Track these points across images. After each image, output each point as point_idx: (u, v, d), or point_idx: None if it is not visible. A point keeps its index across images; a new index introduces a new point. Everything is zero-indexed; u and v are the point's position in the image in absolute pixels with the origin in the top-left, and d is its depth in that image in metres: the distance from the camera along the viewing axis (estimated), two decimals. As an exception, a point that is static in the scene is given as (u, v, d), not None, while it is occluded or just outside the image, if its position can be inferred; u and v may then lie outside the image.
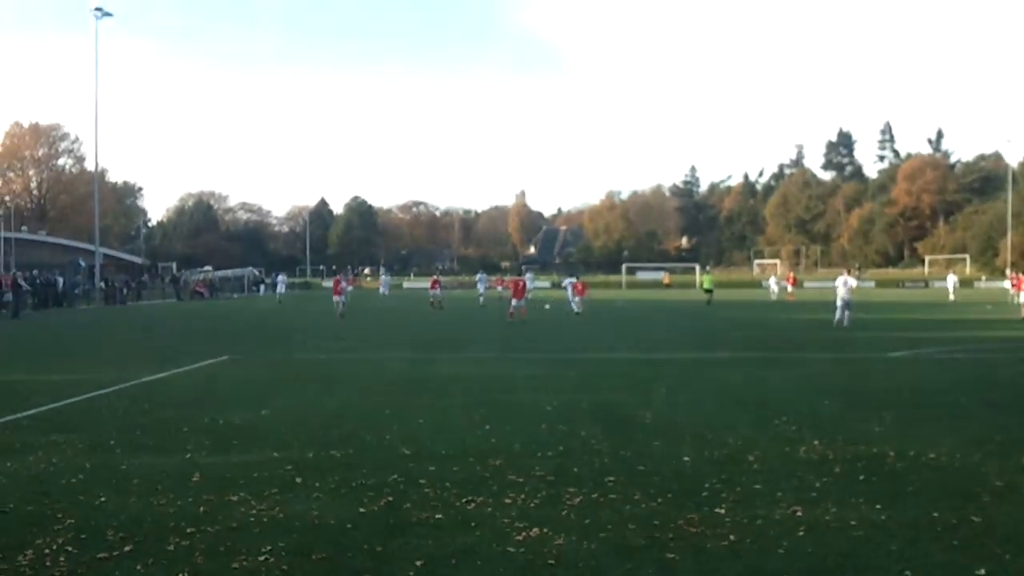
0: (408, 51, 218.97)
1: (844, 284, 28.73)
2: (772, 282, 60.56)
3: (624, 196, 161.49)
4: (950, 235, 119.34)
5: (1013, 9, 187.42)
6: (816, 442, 9.22)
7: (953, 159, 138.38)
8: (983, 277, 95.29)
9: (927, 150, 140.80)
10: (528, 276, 49.94)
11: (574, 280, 38.95)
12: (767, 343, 22.75)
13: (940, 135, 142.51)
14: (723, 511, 6.66)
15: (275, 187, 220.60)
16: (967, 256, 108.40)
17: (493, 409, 11.60)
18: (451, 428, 10.29)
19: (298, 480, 7.77)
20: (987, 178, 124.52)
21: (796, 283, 59.87)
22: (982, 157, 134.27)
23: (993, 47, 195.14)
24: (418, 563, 5.61)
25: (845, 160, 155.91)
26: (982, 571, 5.35)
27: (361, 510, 6.80)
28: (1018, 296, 36.56)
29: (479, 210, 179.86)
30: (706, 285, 46.83)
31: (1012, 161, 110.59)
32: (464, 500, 7.03)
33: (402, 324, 32.46)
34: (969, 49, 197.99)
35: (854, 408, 11.71)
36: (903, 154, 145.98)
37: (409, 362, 18.42)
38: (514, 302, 32.40)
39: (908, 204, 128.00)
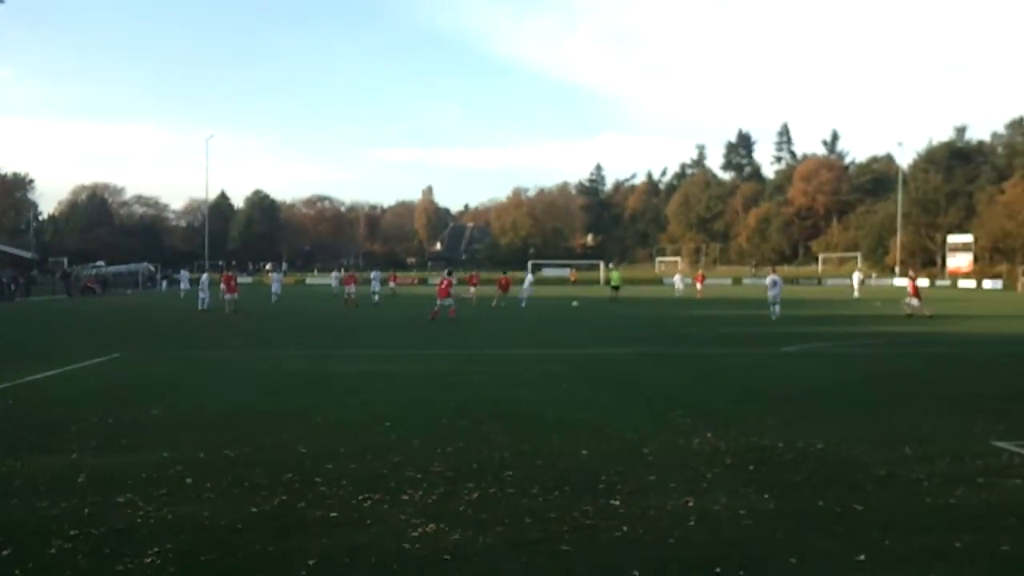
0: (314, 40, 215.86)
1: (774, 283, 31.70)
2: (677, 279, 61.74)
3: (531, 193, 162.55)
4: (843, 234, 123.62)
5: (904, 16, 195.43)
6: (709, 434, 9.43)
7: (847, 160, 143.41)
8: (873, 275, 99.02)
9: (822, 151, 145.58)
10: (529, 278, 49.65)
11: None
12: (668, 339, 23.19)
13: (835, 137, 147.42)
14: (618, 503, 6.76)
15: (173, 180, 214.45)
16: (859, 254, 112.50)
17: (393, 406, 11.52)
18: (350, 426, 10.17)
19: (188, 480, 7.57)
20: (879, 179, 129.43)
21: (704, 280, 61.12)
22: (874, 159, 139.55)
23: (886, 53, 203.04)
24: (311, 563, 5.53)
25: (744, 161, 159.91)
26: (862, 557, 5.56)
27: (253, 510, 6.66)
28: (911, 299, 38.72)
29: (385, 206, 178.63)
30: (613, 282, 47.43)
31: (902, 163, 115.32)
32: (360, 498, 6.96)
33: (302, 321, 31.94)
34: (863, 54, 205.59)
35: (747, 401, 12.03)
36: (799, 155, 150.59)
37: (308, 360, 18.14)
38: (439, 301, 32.04)
39: (804, 204, 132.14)
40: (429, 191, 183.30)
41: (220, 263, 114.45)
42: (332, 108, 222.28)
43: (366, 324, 29.58)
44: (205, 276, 39.62)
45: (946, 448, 8.79)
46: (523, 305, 40.45)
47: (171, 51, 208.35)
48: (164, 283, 79.21)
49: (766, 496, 6.95)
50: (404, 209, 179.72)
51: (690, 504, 6.71)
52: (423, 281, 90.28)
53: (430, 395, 12.60)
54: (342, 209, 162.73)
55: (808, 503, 6.78)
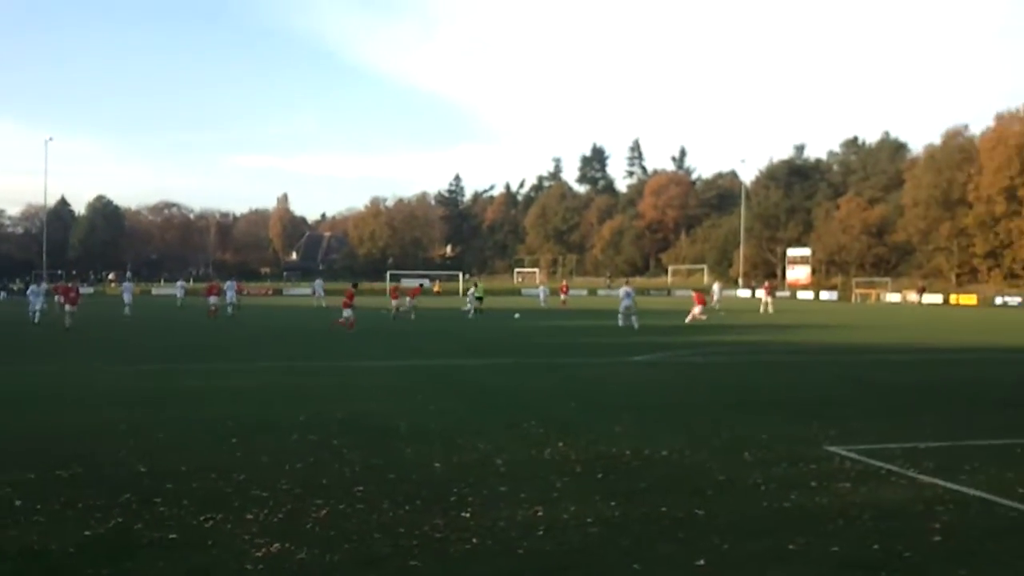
0: (159, 40, 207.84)
1: (626, 294, 32.94)
2: (541, 290, 62.11)
3: (389, 203, 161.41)
4: (691, 247, 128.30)
5: (745, 39, 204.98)
6: (561, 444, 9.57)
7: (694, 176, 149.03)
8: (718, 285, 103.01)
9: (671, 167, 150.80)
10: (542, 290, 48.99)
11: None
12: (524, 349, 23.43)
13: (683, 153, 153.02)
14: (468, 515, 6.75)
15: (9, 185, 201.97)
16: (705, 266, 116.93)
17: (241, 422, 11.16)
18: (194, 443, 9.79)
19: (17, 503, 7.10)
20: (724, 195, 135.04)
21: (567, 291, 61.97)
22: (720, 175, 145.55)
23: (730, 73, 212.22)
24: (147, 587, 5.28)
25: (598, 174, 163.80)
26: (702, 561, 5.73)
27: (87, 533, 6.31)
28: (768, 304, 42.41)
29: (238, 213, 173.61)
30: (478, 293, 47.31)
31: (745, 179, 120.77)
32: (202, 518, 6.70)
33: (147, 333, 30.62)
34: (709, 74, 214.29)
35: (598, 410, 12.28)
36: (650, 170, 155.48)
37: (154, 374, 17.40)
38: (345, 312, 31.22)
39: (654, 217, 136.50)
40: (284, 199, 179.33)
41: (59, 272, 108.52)
42: (181, 112, 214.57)
43: (220, 336, 28.63)
44: (41, 286, 37.39)
45: (783, 453, 9.20)
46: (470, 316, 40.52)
47: (4, 50, 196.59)
48: (1, 293, 74.49)
49: (613, 503, 7.10)
50: (258, 217, 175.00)
51: (540, 514, 6.78)
52: (278, 292, 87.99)
53: (280, 409, 12.28)
54: (191, 216, 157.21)
55: (652, 509, 6.96)
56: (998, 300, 69.48)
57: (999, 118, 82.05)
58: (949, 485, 7.83)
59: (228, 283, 45.70)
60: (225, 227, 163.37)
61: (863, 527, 6.53)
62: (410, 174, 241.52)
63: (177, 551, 5.94)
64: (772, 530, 6.44)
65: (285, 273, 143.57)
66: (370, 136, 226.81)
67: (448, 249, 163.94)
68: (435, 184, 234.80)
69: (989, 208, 78.09)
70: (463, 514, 6.78)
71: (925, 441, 9.95)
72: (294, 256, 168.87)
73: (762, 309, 45.55)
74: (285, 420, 11.28)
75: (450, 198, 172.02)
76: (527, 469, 8.40)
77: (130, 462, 8.68)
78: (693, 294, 38.38)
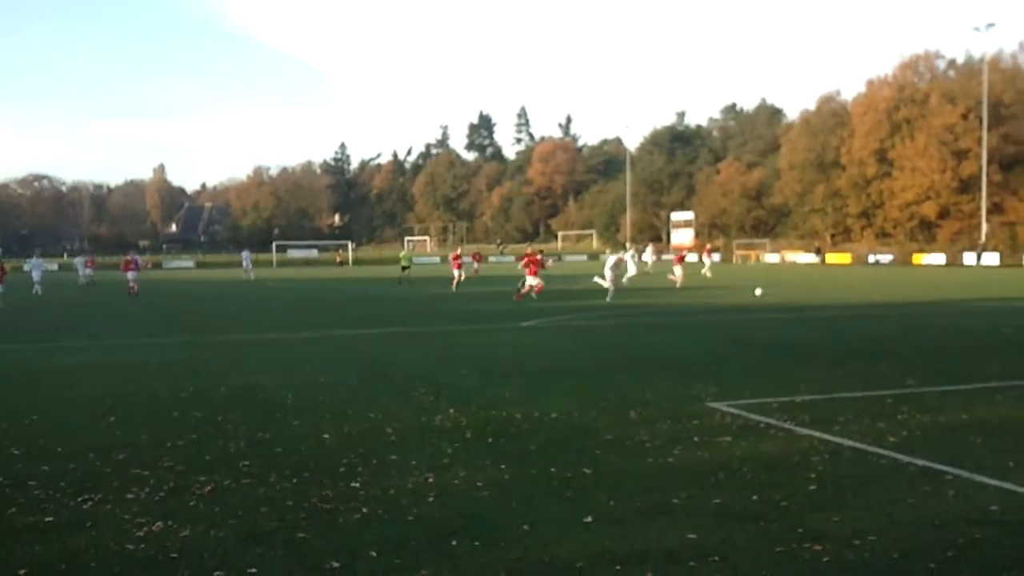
0: (25, 3, 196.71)
1: (617, 264, 31.35)
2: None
3: (273, 172, 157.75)
4: (579, 212, 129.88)
5: (629, 9, 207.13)
6: (452, 410, 9.59)
7: (581, 143, 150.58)
8: (607, 251, 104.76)
9: (558, 134, 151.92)
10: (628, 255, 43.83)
11: None
12: (418, 318, 23.33)
13: (569, 120, 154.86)
14: (358, 485, 6.71)
15: None
16: (593, 232, 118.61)
17: (121, 399, 10.78)
18: (70, 423, 9.41)
19: None
20: (610, 161, 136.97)
21: (482, 259, 61.06)
22: (605, 141, 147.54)
23: (614, 41, 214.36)
24: (21, 572, 5.06)
25: (486, 142, 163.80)
26: (589, 519, 5.85)
27: (-47, 522, 6.00)
28: (703, 267, 42.65)
29: (113, 185, 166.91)
30: (403, 262, 46.05)
31: (630, 146, 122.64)
32: (80, 499, 6.46)
33: (16, 309, 29.21)
34: (594, 42, 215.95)
35: (489, 376, 12.35)
36: (537, 137, 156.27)
37: (29, 353, 16.63)
38: (476, 264, 30.53)
39: (543, 184, 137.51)
40: (161, 169, 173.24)
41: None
42: (47, 79, 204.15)
43: (101, 311, 27.54)
44: None
45: (667, 411, 9.44)
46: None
47: None
48: None
49: (503, 467, 7.16)
50: (134, 189, 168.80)
51: (430, 480, 6.79)
52: (157, 265, 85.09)
53: (162, 385, 11.90)
54: (63, 189, 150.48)
55: (542, 471, 7.05)
56: (871, 258, 72.73)
57: (870, 84, 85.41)
58: (824, 436, 8.18)
59: (33, 260, 41.21)
60: (99, 199, 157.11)
61: (743, 479, 6.77)
62: (294, 143, 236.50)
63: (54, 534, 5.72)
64: (657, 485, 6.61)
65: (164, 246, 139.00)
66: (252, 104, 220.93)
67: (336, 218, 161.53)
68: (320, 153, 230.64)
69: (861, 170, 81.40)
70: (352, 484, 6.73)
71: (801, 395, 10.36)
72: (173, 228, 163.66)
73: (704, 271, 45.86)
74: (168, 396, 10.95)
75: (336, 166, 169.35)
76: (418, 437, 8.39)
77: (2, 445, 8.29)
78: (674, 256, 38.08)
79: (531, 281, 28.80)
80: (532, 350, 15.68)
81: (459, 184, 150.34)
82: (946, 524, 5.68)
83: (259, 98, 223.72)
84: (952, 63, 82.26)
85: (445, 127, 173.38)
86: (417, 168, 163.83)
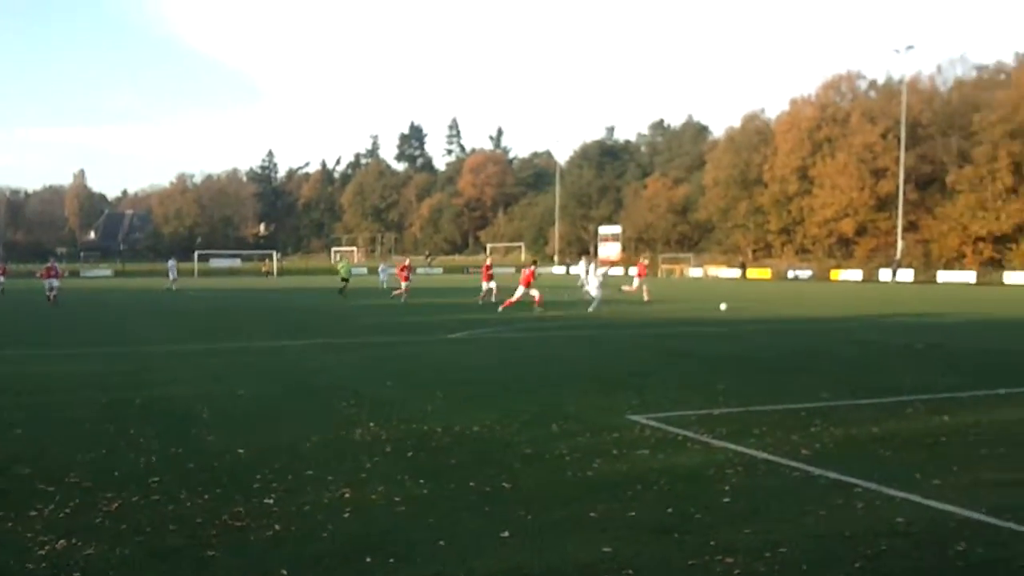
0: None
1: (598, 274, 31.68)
2: (382, 270, 58.75)
3: (198, 180, 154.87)
4: (509, 224, 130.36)
5: (560, 24, 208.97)
6: (372, 424, 9.48)
7: (511, 155, 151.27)
8: (536, 263, 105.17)
9: (489, 146, 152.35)
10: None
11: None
12: (344, 328, 23.08)
13: (500, 133, 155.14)
14: (272, 501, 6.57)
15: None
16: (522, 244, 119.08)
17: (27, 412, 10.41)
18: (-28, 437, 9.04)
19: None
20: (539, 173, 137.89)
21: (411, 269, 58.94)
22: (536, 154, 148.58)
23: (545, 56, 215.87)
24: (-91, 597, 4.84)
25: (417, 152, 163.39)
26: (506, 533, 5.82)
27: None
28: (641, 282, 40.18)
29: (30, 190, 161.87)
30: (342, 273, 45.12)
31: (560, 159, 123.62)
32: (-22, 518, 6.20)
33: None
34: (525, 56, 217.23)
35: (411, 388, 12.25)
36: (468, 148, 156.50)
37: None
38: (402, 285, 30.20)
39: (473, 195, 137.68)
40: (81, 175, 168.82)
41: None
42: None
43: (13, 322, 26.60)
44: None
45: (588, 424, 9.49)
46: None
47: None
48: None
49: (421, 481, 7.09)
50: (52, 194, 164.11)
51: (347, 496, 6.68)
52: (75, 274, 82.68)
53: (74, 397, 11.54)
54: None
55: (461, 485, 7.01)
56: (790, 274, 74.44)
57: (793, 103, 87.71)
58: (739, 448, 8.30)
59: None
60: (16, 205, 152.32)
61: (659, 491, 6.83)
62: (220, 150, 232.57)
63: (-54, 556, 5.47)
64: (575, 499, 6.62)
65: (82, 254, 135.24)
66: (178, 110, 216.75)
67: (261, 228, 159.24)
68: (247, 160, 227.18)
69: (783, 187, 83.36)
70: (266, 500, 6.59)
71: (720, 408, 10.50)
72: (92, 235, 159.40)
73: (645, 296, 37.47)
74: (80, 409, 10.61)
75: (263, 175, 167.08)
76: (336, 451, 8.27)
77: None
78: (638, 267, 37.67)
79: (520, 293, 29.27)
80: (458, 363, 15.62)
81: (388, 194, 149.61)
82: (855, 536, 5.80)
83: (186, 104, 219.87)
84: (873, 84, 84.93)
85: (375, 137, 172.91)
86: (346, 178, 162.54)
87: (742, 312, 29.38)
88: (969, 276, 62.32)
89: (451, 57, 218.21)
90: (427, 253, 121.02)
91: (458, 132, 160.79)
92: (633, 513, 6.26)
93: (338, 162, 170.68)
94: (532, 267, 31.50)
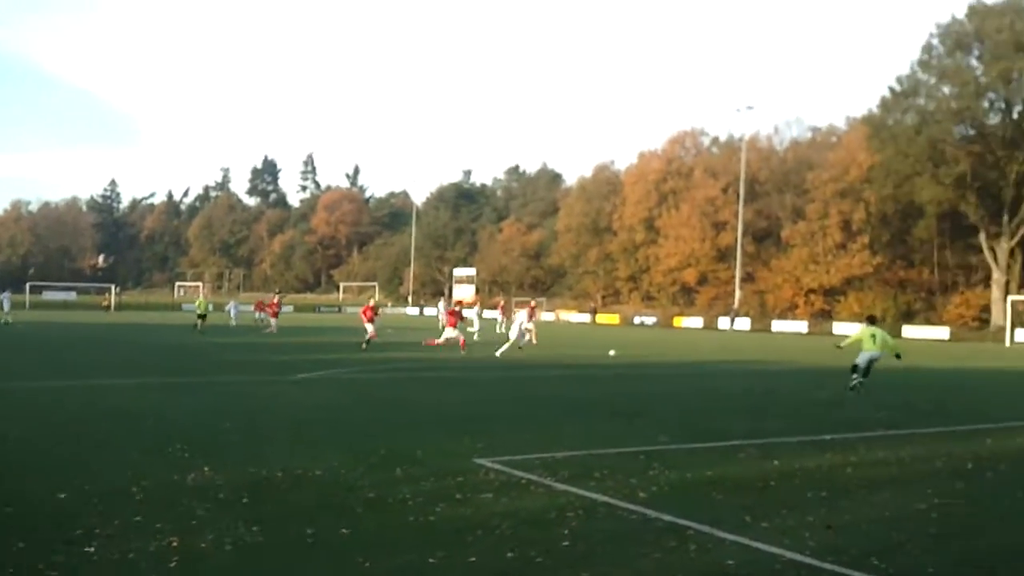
0: None
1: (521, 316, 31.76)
2: (232, 307, 55.92)
3: (34, 207, 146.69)
4: (363, 264, 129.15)
5: (419, 65, 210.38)
6: (207, 468, 9.11)
7: (367, 194, 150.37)
8: (390, 304, 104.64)
9: (345, 184, 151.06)
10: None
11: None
12: (185, 366, 22.19)
13: (357, 171, 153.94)
14: (93, 549, 6.20)
15: None
16: (376, 284, 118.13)
17: None
18: None
19: None
20: (396, 213, 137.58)
21: (279, 306, 54.55)
22: (392, 194, 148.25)
23: (404, 97, 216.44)
24: None
25: (270, 187, 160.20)
26: (343, 580, 5.69)
27: None
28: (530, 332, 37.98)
29: None
30: (200, 309, 43.14)
31: (417, 200, 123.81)
32: None
33: None
34: (383, 94, 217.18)
35: (252, 430, 11.89)
36: (324, 185, 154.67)
37: None
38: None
39: (327, 233, 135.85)
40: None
41: None
42: None
43: None
44: None
45: (434, 468, 9.43)
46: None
47: None
48: None
49: (256, 528, 6.84)
50: None
51: (174, 544, 6.37)
52: None
53: None
54: None
55: (299, 531, 6.81)
56: (636, 319, 76.66)
57: (641, 156, 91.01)
58: (580, 492, 8.42)
59: None
60: None
61: (501, 536, 6.83)
62: (58, 177, 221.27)
63: None
64: (415, 545, 6.54)
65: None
66: (11, 133, 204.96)
67: (100, 259, 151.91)
68: (88, 189, 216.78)
69: (631, 236, 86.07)
70: (87, 548, 6.21)
71: (564, 451, 10.64)
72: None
73: (528, 338, 33.73)
74: None
75: (104, 204, 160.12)
76: (166, 496, 7.89)
77: None
78: (527, 310, 35.07)
79: (449, 334, 28.55)
80: (305, 404, 15.26)
81: (238, 229, 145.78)
82: (686, 578, 5.96)
83: (24, 128, 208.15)
84: (715, 140, 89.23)
85: (227, 170, 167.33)
86: (194, 210, 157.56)
87: (588, 355, 29.99)
88: (801, 326, 65.75)
89: (308, 91, 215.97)
90: (277, 291, 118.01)
91: (313, 168, 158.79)
92: (473, 559, 6.23)
93: (186, 194, 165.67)
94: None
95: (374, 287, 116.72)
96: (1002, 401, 19.30)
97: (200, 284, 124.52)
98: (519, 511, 7.64)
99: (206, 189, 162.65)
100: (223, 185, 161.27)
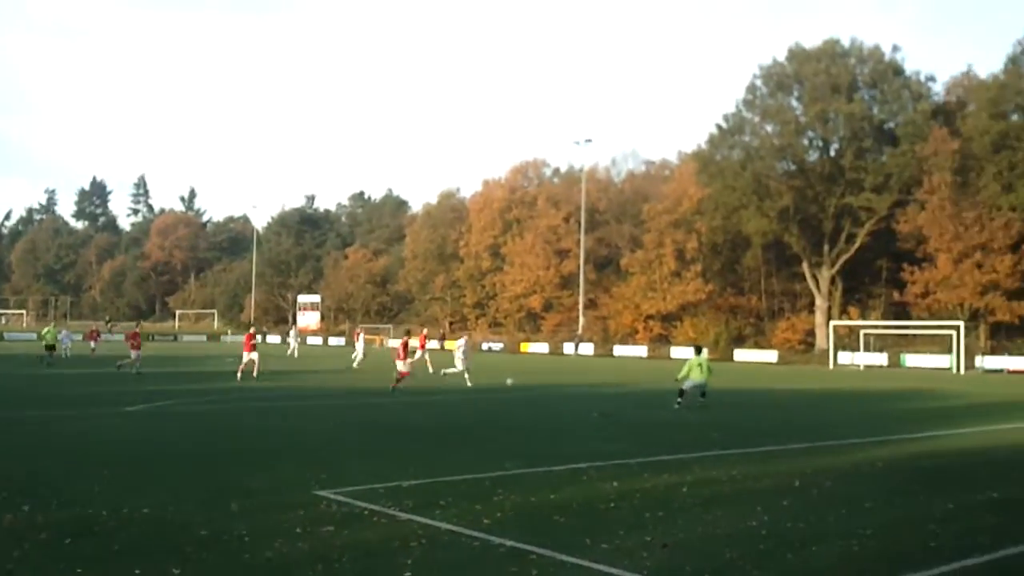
0: None
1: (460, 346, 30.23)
2: (64, 336, 52.58)
3: None
4: (200, 291, 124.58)
5: (260, 84, 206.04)
6: (26, 507, 8.52)
7: (205, 218, 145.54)
8: (230, 332, 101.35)
9: (180, 207, 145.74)
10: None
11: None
12: (6, 401, 20.74)
13: (193, 194, 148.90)
14: None
15: None
16: (215, 311, 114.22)
17: None
18: None
19: None
20: (235, 239, 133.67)
21: (99, 336, 53.09)
22: (231, 219, 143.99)
23: (241, 119, 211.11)
24: None
25: (99, 210, 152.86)
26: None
27: None
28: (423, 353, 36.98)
29: None
30: (47, 339, 40.22)
31: (257, 225, 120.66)
32: None
33: None
34: (220, 116, 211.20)
35: (77, 467, 11.24)
36: (157, 209, 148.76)
37: None
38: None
39: (161, 258, 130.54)
40: None
41: None
42: None
43: None
44: None
45: (271, 501, 9.14)
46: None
47: None
48: None
49: (79, 571, 6.43)
50: None
51: (-14, 591, 5.93)
52: None
53: None
54: None
55: (125, 572, 6.44)
56: (484, 346, 77.11)
57: (486, 184, 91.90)
58: (424, 520, 8.35)
59: None
60: None
61: (340, 570, 6.67)
62: None
63: None
64: (251, 582, 6.31)
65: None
66: None
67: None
68: None
69: (477, 263, 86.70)
70: None
71: (409, 479, 10.53)
72: None
73: (429, 368, 34.44)
74: None
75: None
76: (-23, 541, 7.32)
77: None
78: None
79: (401, 367, 25.77)
80: (132, 438, 14.52)
81: (65, 254, 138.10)
82: (528, 603, 5.99)
83: None
84: (556, 171, 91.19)
85: (52, 191, 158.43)
86: (16, 234, 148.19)
87: (432, 382, 29.90)
88: (641, 350, 67.78)
89: (140, 108, 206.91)
90: (107, 319, 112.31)
91: (146, 190, 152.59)
92: (305, 595, 6.06)
93: (7, 217, 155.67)
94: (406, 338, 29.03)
95: (213, 314, 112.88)
96: (826, 421, 20.44)
97: (24, 312, 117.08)
98: (361, 543, 7.49)
99: (29, 212, 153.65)
100: (48, 208, 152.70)
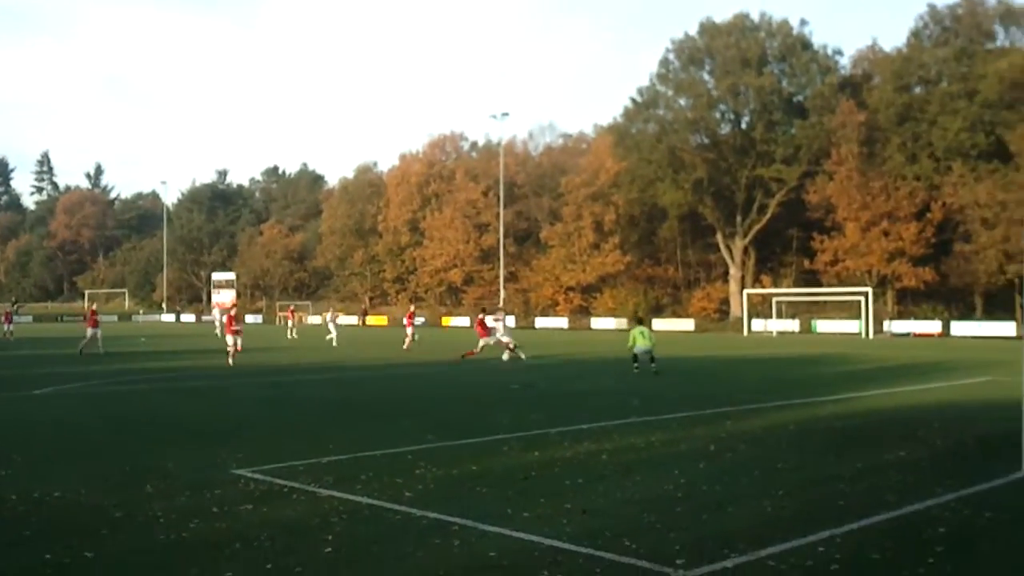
0: None
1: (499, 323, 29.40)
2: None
3: None
4: (111, 270, 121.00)
5: (166, 63, 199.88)
6: (-73, 497, 8.22)
7: (113, 195, 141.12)
8: (142, 311, 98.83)
9: (87, 184, 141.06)
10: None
11: None
12: None
13: (100, 170, 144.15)
14: None
15: None
16: (126, 290, 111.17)
17: None
18: None
19: None
20: (145, 216, 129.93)
21: (11, 319, 51.09)
22: (140, 195, 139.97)
23: (149, 91, 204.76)
24: None
25: (1, 189, 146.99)
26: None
27: None
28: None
29: None
30: None
31: (167, 201, 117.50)
32: None
33: None
34: (125, 89, 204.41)
35: (-19, 453, 10.83)
36: (63, 186, 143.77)
37: None
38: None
39: (68, 238, 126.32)
40: None
41: None
42: None
43: None
44: None
45: (188, 481, 8.97)
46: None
47: None
48: None
49: (-16, 559, 6.25)
50: None
51: None
52: None
53: None
54: None
55: (35, 559, 6.26)
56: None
57: (403, 158, 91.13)
58: (345, 496, 8.30)
59: None
60: None
61: (260, 547, 6.59)
62: None
63: None
64: (167, 564, 6.20)
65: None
66: None
67: None
68: None
69: (396, 238, 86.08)
70: None
71: (328, 456, 10.46)
72: None
73: (405, 344, 35.43)
74: None
75: None
76: None
77: None
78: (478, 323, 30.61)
79: (483, 342, 28.56)
80: (40, 420, 14.11)
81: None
82: (450, 573, 6.01)
83: None
84: (474, 145, 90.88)
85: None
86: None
87: (354, 357, 29.70)
88: (562, 322, 68.38)
89: (42, 82, 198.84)
90: (13, 300, 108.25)
91: (50, 168, 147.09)
92: (230, 573, 5.99)
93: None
94: (481, 315, 30.44)
95: (123, 293, 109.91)
96: (741, 386, 20.94)
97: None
98: (280, 520, 7.42)
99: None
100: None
